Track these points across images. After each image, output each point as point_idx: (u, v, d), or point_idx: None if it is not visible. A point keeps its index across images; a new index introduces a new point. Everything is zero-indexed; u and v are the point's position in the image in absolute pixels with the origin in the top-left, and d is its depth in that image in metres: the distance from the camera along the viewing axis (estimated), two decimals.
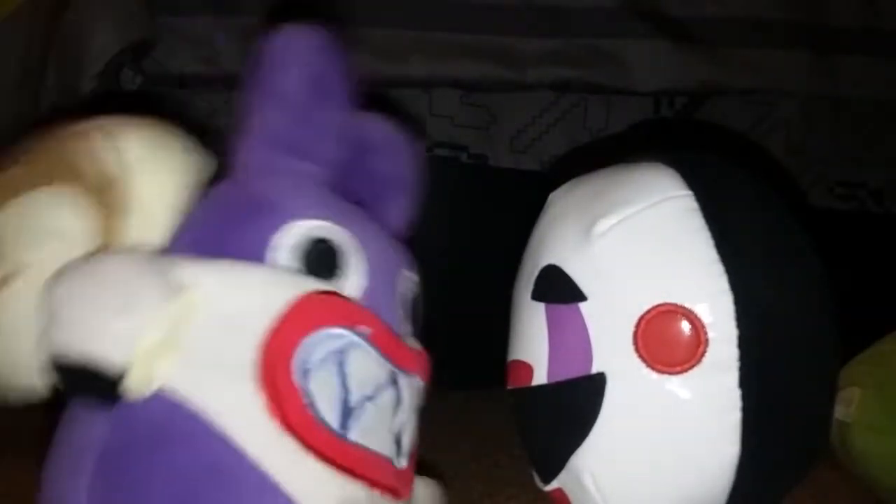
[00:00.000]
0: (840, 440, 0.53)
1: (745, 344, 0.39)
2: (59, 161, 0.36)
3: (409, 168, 0.44)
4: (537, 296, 0.44)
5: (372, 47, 0.61)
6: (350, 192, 0.39)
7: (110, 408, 0.33)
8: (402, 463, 0.38)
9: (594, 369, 0.41)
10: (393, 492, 0.36)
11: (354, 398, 0.35)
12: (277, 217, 0.36)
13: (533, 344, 0.44)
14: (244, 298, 0.34)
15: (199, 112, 0.68)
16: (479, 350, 0.55)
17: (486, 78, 0.63)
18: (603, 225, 0.41)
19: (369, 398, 0.36)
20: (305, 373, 0.34)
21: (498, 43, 0.63)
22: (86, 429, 0.34)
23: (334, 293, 0.35)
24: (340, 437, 0.34)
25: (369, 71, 0.61)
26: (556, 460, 0.43)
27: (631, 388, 0.40)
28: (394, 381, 0.37)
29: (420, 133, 0.66)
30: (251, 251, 0.35)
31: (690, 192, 0.41)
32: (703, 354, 0.39)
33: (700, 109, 0.69)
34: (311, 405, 0.34)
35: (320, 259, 0.36)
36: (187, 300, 0.33)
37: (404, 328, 0.39)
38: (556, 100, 0.67)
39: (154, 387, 0.33)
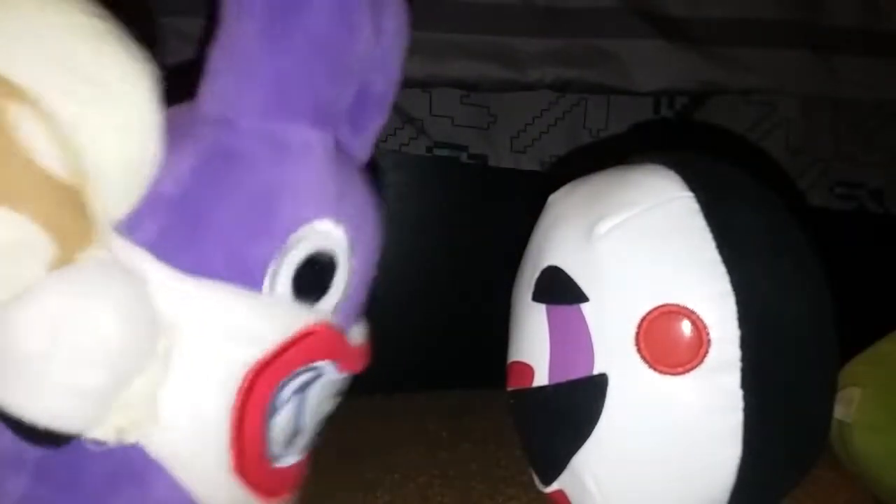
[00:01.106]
0: (840, 440, 0.53)
1: (747, 345, 0.39)
2: None
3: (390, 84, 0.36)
4: (538, 297, 0.44)
5: None
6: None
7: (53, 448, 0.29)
8: (288, 460, 0.33)
9: (596, 370, 0.41)
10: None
11: (304, 423, 0.32)
12: (281, 223, 0.30)
13: (534, 345, 0.44)
14: (227, 337, 0.29)
15: None
16: (478, 350, 0.54)
17: (486, 78, 0.63)
18: (604, 226, 0.41)
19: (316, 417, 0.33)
20: (273, 415, 0.30)
21: (498, 43, 0.63)
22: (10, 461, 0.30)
23: (316, 328, 0.31)
24: (274, 465, 0.32)
25: None
26: (557, 462, 0.43)
27: (633, 389, 0.40)
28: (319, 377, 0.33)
29: (420, 133, 0.66)
30: (249, 257, 0.30)
31: (692, 194, 0.41)
32: (705, 355, 0.39)
33: (700, 109, 0.69)
34: (268, 448, 0.31)
35: (314, 279, 0.31)
36: (166, 346, 0.28)
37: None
38: (556, 100, 0.67)
39: (123, 441, 0.29)
